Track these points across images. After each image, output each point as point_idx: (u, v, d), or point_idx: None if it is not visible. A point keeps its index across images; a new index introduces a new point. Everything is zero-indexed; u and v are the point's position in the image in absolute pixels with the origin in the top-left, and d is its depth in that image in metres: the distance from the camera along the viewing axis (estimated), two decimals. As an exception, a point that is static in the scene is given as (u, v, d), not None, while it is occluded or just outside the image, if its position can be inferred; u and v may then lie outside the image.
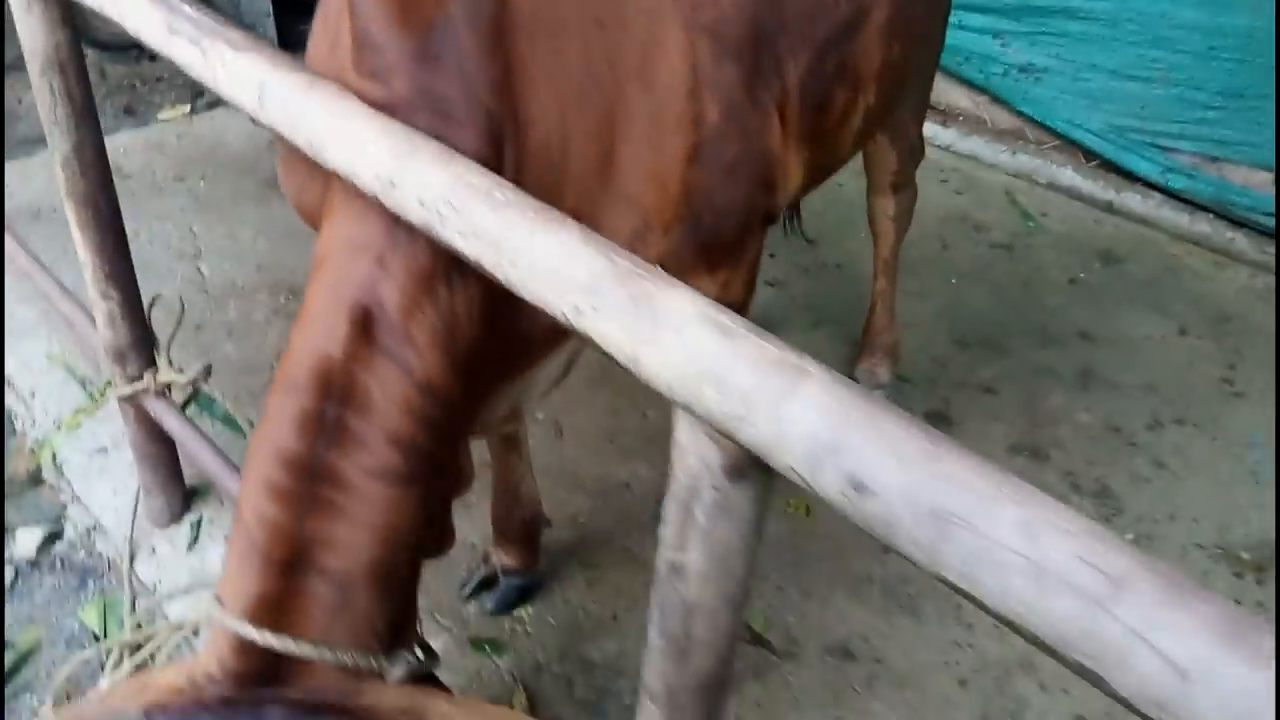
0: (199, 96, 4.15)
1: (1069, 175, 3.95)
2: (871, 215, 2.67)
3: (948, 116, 4.28)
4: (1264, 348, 3.03)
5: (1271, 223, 3.55)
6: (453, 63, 1.10)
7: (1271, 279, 3.41)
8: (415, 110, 1.08)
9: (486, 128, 1.11)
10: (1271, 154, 3.54)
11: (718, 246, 1.49)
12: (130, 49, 4.25)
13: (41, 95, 1.78)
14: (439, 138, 1.05)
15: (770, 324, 3.00)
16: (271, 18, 4.63)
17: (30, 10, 1.70)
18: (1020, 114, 4.13)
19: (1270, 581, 2.25)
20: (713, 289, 1.57)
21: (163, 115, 4.08)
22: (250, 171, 3.69)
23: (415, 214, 0.98)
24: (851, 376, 2.74)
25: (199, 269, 3.18)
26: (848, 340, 2.95)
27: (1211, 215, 3.69)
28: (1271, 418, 2.75)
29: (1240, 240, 3.61)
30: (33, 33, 1.72)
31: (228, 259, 3.22)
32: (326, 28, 1.30)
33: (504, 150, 1.14)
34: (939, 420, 2.70)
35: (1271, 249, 3.54)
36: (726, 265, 1.56)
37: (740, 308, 1.69)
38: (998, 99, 4.20)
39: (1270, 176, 3.60)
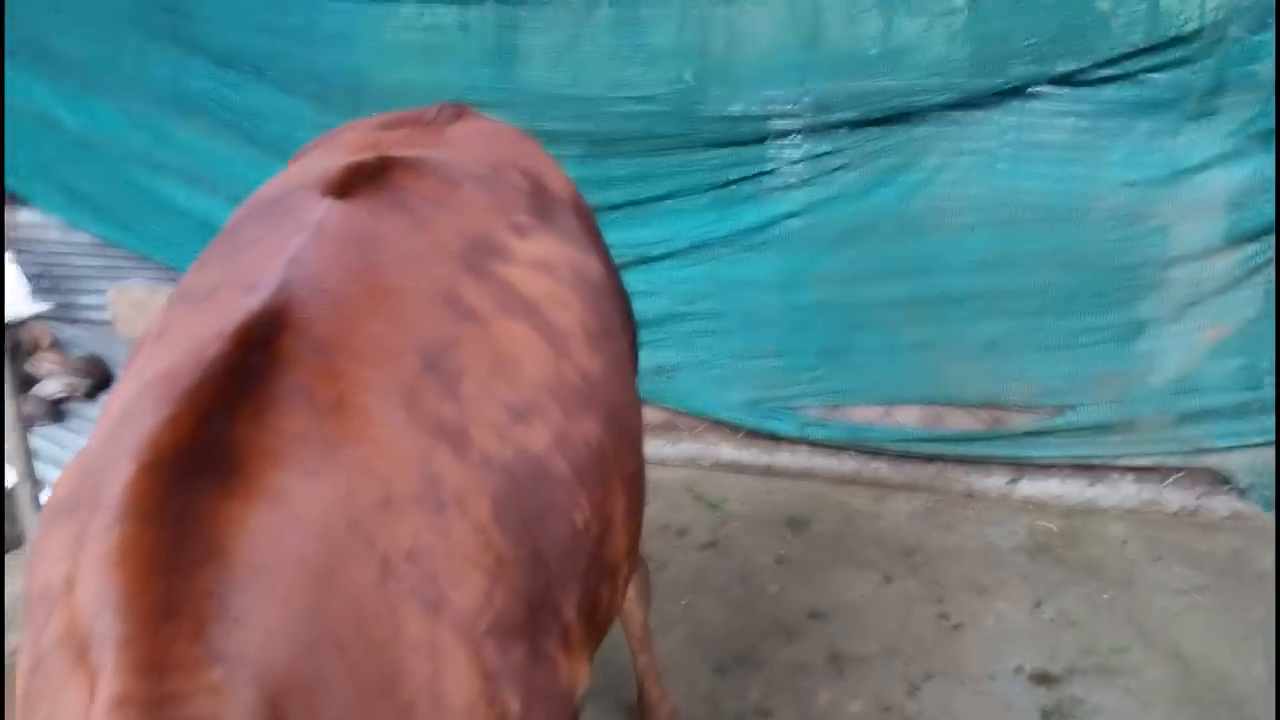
0: None
1: (728, 451, 4.35)
2: (614, 603, 2.68)
3: (605, 427, 4.54)
4: (952, 570, 3.43)
5: (901, 447, 4.14)
6: None
7: (927, 498, 3.92)
8: None
9: None
10: (877, 393, 4.19)
11: None
12: None
13: None
14: None
15: None
16: None
17: None
18: (668, 409, 4.51)
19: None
20: None
21: None
22: None
23: None
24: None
25: None
26: (622, 707, 2.89)
27: (853, 452, 4.23)
28: (988, 641, 3.09)
29: (883, 468, 4.15)
30: None
31: None
32: None
33: None
34: (740, 769, 2.70)
35: (909, 468, 4.12)
36: None
37: None
38: (645, 400, 4.54)
39: (881, 410, 4.23)
